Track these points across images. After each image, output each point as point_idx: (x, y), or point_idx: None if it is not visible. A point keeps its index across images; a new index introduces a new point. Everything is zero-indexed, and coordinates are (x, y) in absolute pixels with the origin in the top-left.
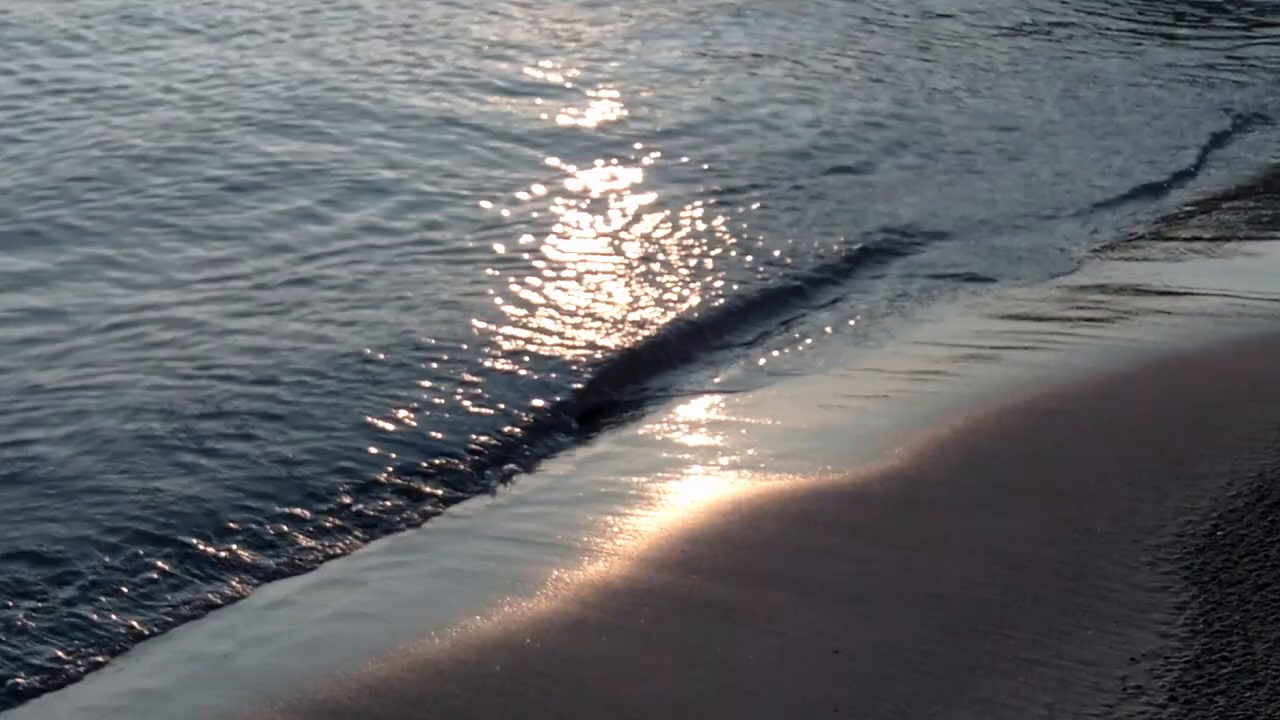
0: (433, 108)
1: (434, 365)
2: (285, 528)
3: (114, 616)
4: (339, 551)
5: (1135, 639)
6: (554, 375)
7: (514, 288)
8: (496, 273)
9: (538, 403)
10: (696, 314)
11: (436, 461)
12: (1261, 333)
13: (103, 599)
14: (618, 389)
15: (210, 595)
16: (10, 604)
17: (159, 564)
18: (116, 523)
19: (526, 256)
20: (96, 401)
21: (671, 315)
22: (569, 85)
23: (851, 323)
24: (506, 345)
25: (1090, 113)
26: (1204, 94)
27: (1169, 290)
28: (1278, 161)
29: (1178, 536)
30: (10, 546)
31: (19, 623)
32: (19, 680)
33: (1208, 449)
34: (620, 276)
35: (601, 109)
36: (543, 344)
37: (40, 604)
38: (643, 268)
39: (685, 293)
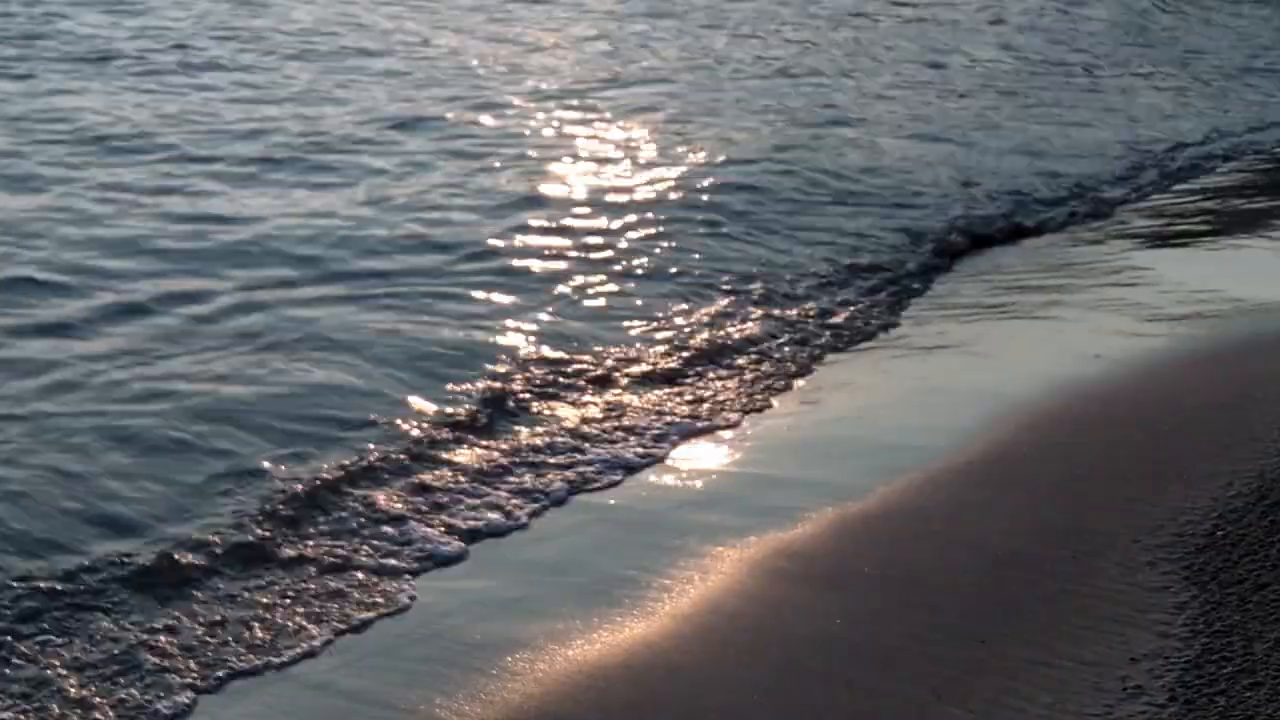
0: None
1: None
2: None
3: None
4: None
5: (1135, 639)
6: None
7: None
8: None
9: None
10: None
11: None
12: (1261, 332)
13: None
14: None
15: None
16: None
17: None
18: None
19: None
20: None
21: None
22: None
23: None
24: None
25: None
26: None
27: (1170, 288)
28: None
29: (1178, 536)
30: None
31: None
32: None
33: (1208, 449)
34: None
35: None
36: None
37: None
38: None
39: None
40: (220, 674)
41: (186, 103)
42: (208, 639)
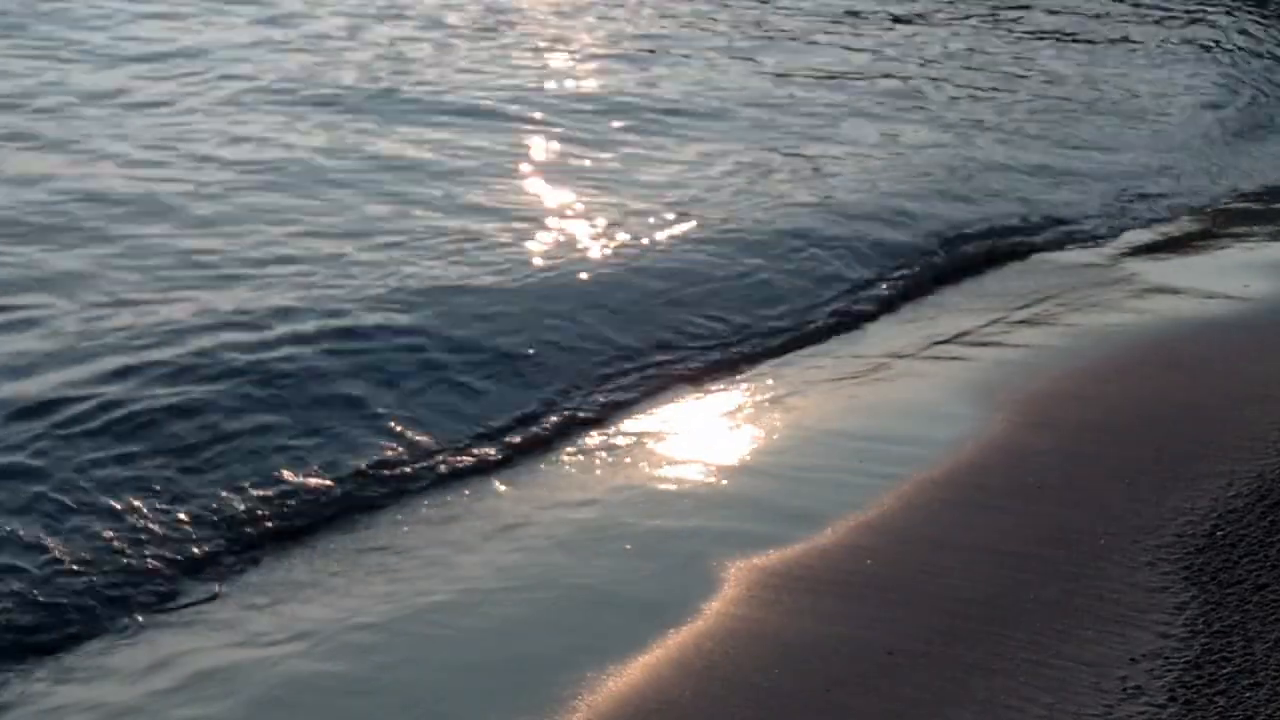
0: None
1: None
2: None
3: None
4: None
5: (1135, 639)
6: None
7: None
8: None
9: None
10: None
11: None
12: (1261, 333)
13: None
14: None
15: None
16: None
17: None
18: None
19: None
20: None
21: None
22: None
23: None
24: None
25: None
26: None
27: (1170, 289)
28: None
29: (1178, 536)
30: None
31: None
32: None
33: (1208, 449)
34: None
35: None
36: None
37: None
38: None
39: None
40: None
41: None
42: None
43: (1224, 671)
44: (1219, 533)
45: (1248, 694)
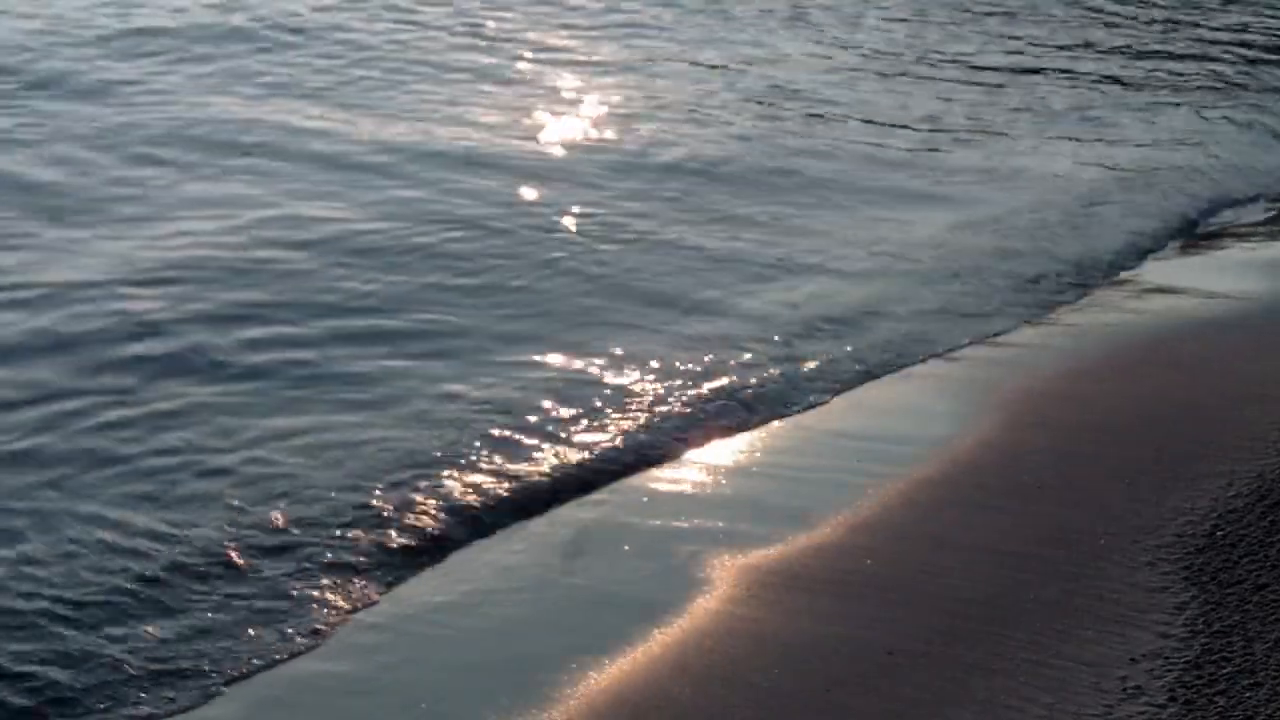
0: None
1: None
2: None
3: None
4: None
5: (1135, 639)
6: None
7: None
8: None
9: None
10: None
11: None
12: (1261, 332)
13: None
14: None
15: None
16: None
17: None
18: None
19: None
20: None
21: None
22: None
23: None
24: None
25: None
26: None
27: (1170, 289)
28: None
29: (1178, 536)
30: None
31: None
32: None
33: (1208, 449)
34: None
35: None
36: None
37: None
38: None
39: None
40: None
41: None
42: None
43: (1224, 671)
44: (1219, 533)
45: (1248, 694)
